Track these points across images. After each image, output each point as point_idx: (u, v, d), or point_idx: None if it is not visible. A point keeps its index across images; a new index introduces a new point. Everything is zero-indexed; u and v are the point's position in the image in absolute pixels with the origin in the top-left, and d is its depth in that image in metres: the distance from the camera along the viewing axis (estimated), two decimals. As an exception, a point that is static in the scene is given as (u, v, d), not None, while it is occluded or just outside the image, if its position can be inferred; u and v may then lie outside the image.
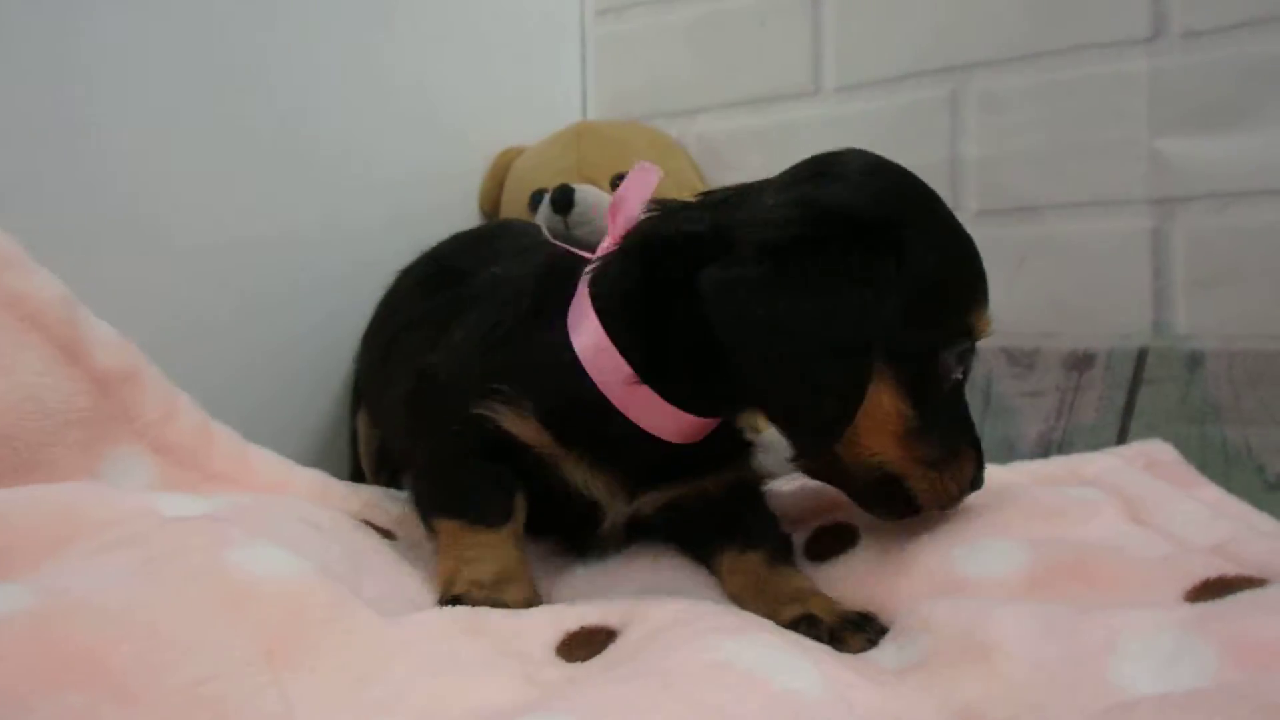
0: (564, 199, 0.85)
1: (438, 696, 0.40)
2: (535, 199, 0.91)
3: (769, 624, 0.47)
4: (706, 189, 0.95)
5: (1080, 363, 0.81)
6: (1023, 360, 0.84)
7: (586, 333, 0.51)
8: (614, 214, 0.55)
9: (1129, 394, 0.79)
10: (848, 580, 0.57)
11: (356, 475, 0.79)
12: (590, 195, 0.86)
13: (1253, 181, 0.73)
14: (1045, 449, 0.82)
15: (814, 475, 0.55)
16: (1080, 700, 0.37)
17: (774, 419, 0.51)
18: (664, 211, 0.53)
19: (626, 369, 0.51)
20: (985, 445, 0.86)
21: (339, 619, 0.43)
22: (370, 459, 0.78)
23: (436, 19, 0.97)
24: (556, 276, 0.55)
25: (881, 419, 0.49)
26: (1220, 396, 0.74)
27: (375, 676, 0.40)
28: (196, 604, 0.40)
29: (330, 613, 0.43)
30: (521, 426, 0.52)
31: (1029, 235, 0.83)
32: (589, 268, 0.53)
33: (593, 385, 0.51)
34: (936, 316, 0.51)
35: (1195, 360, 0.76)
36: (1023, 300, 0.83)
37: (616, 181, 0.90)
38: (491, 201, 0.98)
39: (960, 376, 0.54)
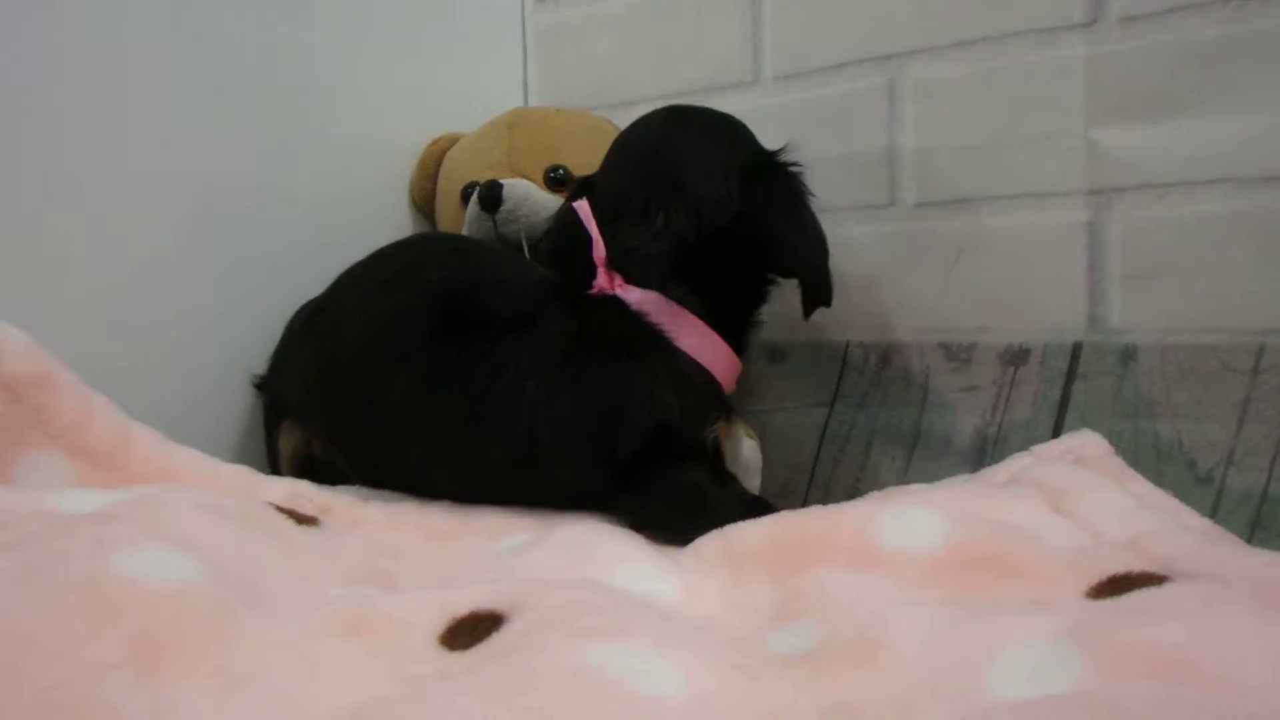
0: (491, 196, 0.82)
1: (299, 700, 0.39)
2: (467, 193, 0.88)
3: (659, 613, 0.46)
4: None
5: (1016, 358, 0.80)
6: (959, 355, 0.82)
7: (691, 334, 0.68)
8: (596, 250, 0.69)
9: (1064, 389, 0.77)
10: (774, 526, 0.57)
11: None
12: (519, 190, 0.83)
13: (1189, 171, 0.72)
14: (981, 445, 0.81)
15: None
16: (949, 705, 0.35)
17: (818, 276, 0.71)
18: (663, 216, 0.69)
19: (729, 352, 0.70)
20: (922, 441, 0.85)
21: (218, 625, 0.43)
22: (294, 473, 0.75)
23: (371, 4, 0.95)
24: (627, 321, 0.68)
25: None
26: (1153, 391, 0.73)
27: (246, 682, 0.40)
28: (67, 611, 0.40)
29: (210, 620, 0.43)
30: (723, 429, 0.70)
31: (966, 228, 0.81)
32: (647, 297, 0.68)
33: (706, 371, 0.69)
34: None
35: (1129, 355, 0.74)
36: (960, 294, 0.82)
37: (550, 174, 0.88)
38: (423, 193, 0.95)
39: None
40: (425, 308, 0.70)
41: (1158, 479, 0.70)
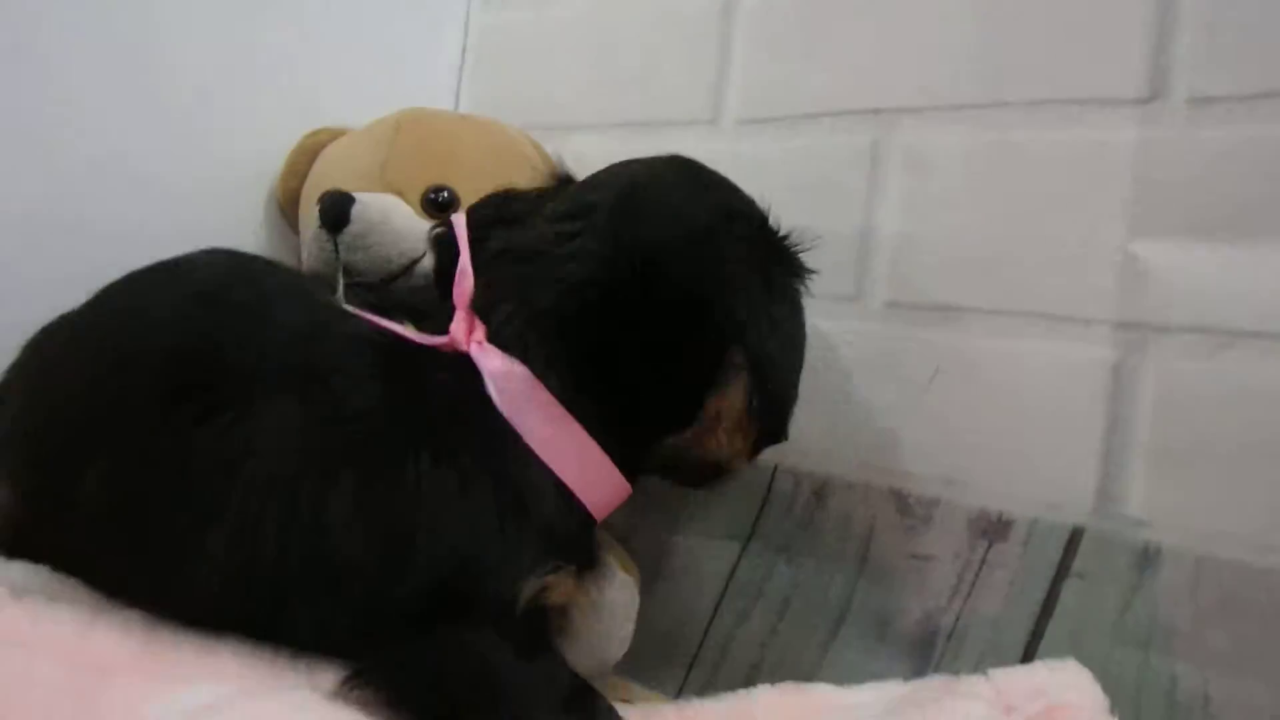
0: (336, 214, 0.63)
1: None
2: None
3: None
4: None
5: (991, 529, 0.59)
6: (917, 510, 0.61)
7: (556, 436, 0.49)
8: (459, 284, 0.51)
9: (1051, 587, 0.56)
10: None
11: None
12: (374, 210, 0.64)
13: (1261, 320, 0.51)
14: (930, 636, 0.60)
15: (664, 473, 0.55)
16: None
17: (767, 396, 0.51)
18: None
19: (613, 472, 0.51)
20: (854, 615, 0.64)
21: None
22: None
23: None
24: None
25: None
26: (1176, 617, 0.52)
27: None
28: None
29: None
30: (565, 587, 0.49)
31: (946, 344, 0.61)
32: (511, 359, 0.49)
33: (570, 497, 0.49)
34: None
35: (1148, 558, 0.53)
36: (927, 430, 0.61)
37: (430, 195, 0.69)
38: (287, 195, 0.75)
39: None
40: (150, 359, 0.50)
41: (1167, 744, 0.49)
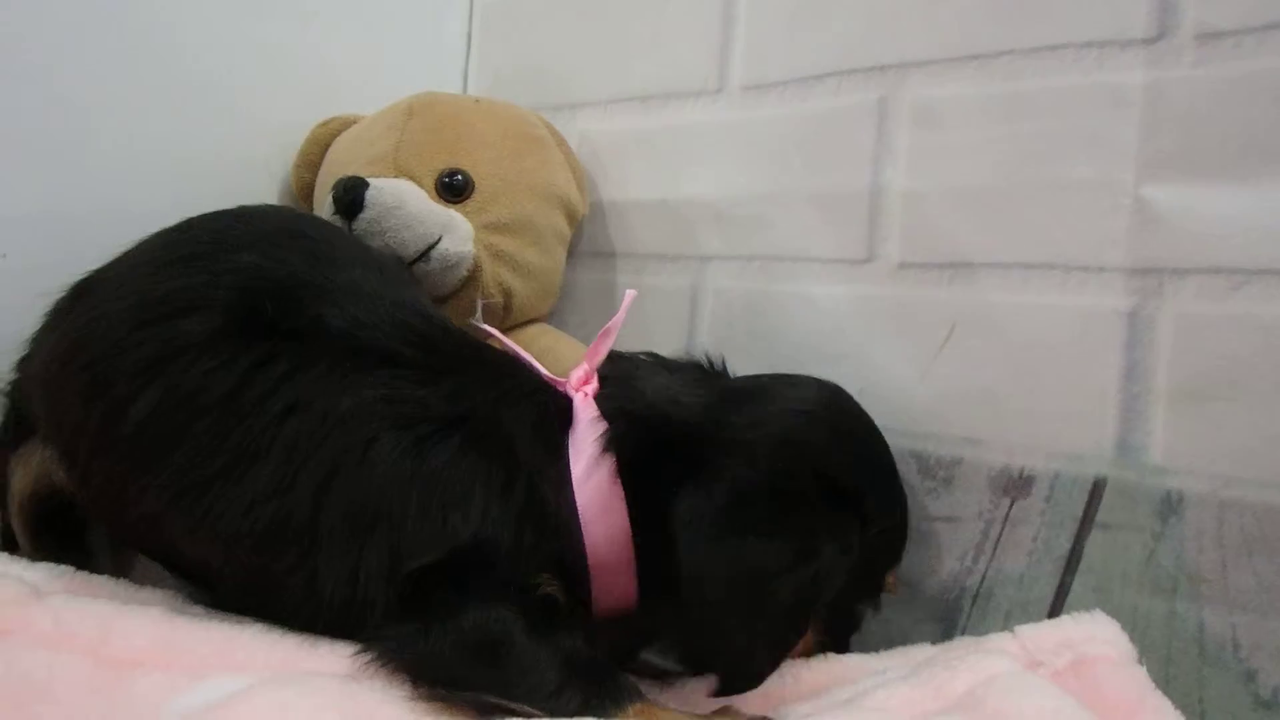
0: (350, 200, 0.63)
1: None
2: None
3: None
4: (581, 196, 0.76)
5: (1014, 485, 0.58)
6: (939, 472, 0.61)
7: (601, 496, 0.49)
8: (600, 342, 0.54)
9: (1075, 540, 0.56)
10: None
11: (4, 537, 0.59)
12: (388, 195, 0.65)
13: (1277, 255, 0.51)
14: (957, 598, 0.59)
15: None
16: None
17: (702, 657, 0.51)
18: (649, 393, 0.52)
19: (629, 564, 0.49)
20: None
21: None
22: (27, 517, 0.57)
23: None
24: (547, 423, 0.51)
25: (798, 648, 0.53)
26: (1202, 563, 0.51)
27: None
28: None
29: None
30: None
31: (960, 301, 0.60)
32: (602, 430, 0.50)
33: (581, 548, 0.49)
34: (865, 577, 0.54)
35: (1171, 505, 0.53)
36: (945, 390, 0.61)
37: (445, 179, 0.69)
38: (302, 185, 0.77)
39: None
40: (218, 297, 0.51)
41: (1198, 690, 0.49)
